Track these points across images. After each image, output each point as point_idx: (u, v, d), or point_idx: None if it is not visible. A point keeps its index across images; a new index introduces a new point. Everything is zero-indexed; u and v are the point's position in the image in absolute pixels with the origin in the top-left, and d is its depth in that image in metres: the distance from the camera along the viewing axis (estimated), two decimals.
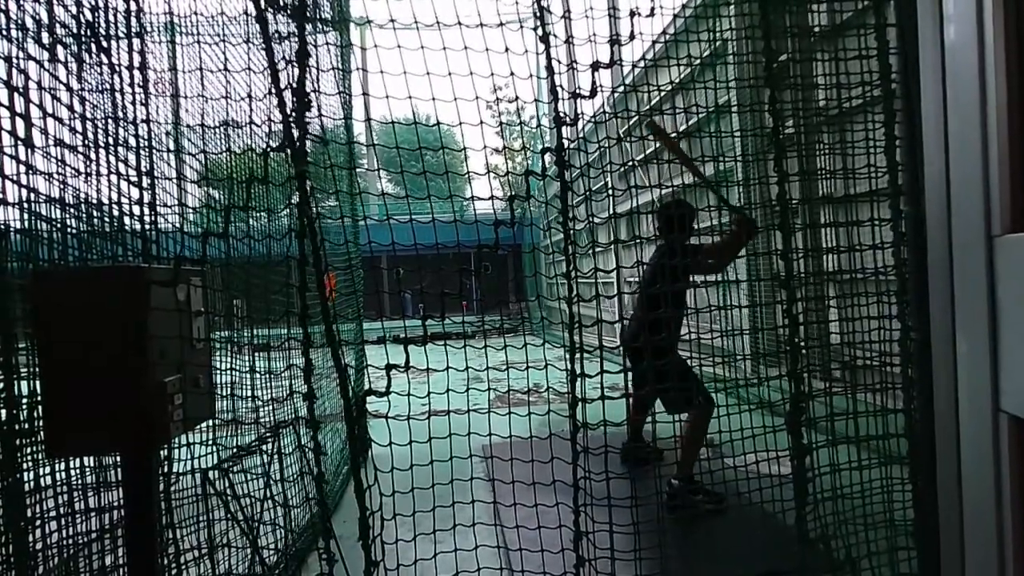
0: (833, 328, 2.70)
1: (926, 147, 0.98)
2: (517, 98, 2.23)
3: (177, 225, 2.62)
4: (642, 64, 3.01)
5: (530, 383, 2.75)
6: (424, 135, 2.38)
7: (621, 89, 3.44)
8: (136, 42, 2.42)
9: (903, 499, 2.41)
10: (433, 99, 2.25)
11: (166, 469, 2.28)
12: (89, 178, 2.16)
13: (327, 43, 2.58)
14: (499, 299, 16.66)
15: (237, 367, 2.78)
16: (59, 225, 1.98)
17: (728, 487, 2.96)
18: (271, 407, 2.96)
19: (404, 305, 16.31)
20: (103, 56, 2.33)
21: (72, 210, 2.06)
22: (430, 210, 2.25)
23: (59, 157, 2.01)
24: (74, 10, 2.18)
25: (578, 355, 2.21)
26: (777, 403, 2.55)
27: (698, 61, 3.06)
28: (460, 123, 2.29)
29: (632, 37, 2.14)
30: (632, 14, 2.12)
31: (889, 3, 2.38)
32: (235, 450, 2.65)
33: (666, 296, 2.97)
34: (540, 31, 2.04)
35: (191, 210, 2.99)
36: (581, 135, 2.39)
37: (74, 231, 2.06)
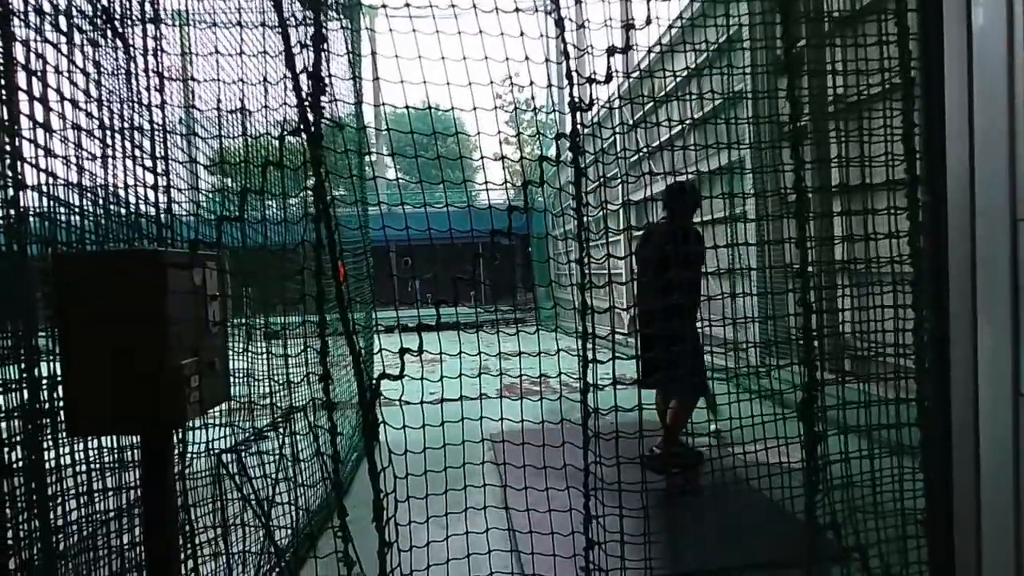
0: (847, 317, 2.68)
1: (948, 131, 0.97)
2: (532, 83, 2.22)
3: (192, 210, 2.64)
4: (657, 49, 2.99)
5: (540, 371, 2.77)
6: (435, 122, 2.38)
7: (635, 75, 3.42)
8: (151, 27, 2.43)
9: (914, 488, 2.41)
10: (447, 84, 2.24)
11: (181, 451, 2.32)
12: (105, 162, 2.18)
13: (341, 27, 2.58)
14: (509, 288, 16.66)
15: (252, 351, 2.81)
16: (77, 209, 2.00)
17: (737, 475, 2.97)
18: (285, 391, 2.99)
19: (414, 294, 16.39)
20: (119, 41, 2.34)
21: (89, 194, 2.08)
22: (444, 197, 2.26)
23: (76, 141, 2.03)
24: None
25: (590, 341, 2.22)
26: (788, 391, 2.55)
27: (713, 47, 3.02)
28: (474, 108, 2.28)
29: (648, 22, 2.12)
30: None
31: None
32: (249, 432, 2.68)
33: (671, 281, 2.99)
34: (555, 15, 2.03)
35: (205, 195, 3.01)
36: (595, 121, 2.37)
37: (91, 215, 2.08)
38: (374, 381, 2.05)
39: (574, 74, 2.06)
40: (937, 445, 1.32)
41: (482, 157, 2.31)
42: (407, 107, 2.15)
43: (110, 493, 2.10)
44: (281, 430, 2.81)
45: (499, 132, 2.26)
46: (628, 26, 2.12)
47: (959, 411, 0.94)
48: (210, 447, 2.50)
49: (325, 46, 2.12)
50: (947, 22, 1.05)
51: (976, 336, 0.89)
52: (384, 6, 2.18)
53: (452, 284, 2.20)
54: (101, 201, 2.16)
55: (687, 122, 2.81)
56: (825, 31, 3.00)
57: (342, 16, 3.78)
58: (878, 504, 2.43)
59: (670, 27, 2.76)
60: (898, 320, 2.51)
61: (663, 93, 2.98)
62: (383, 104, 2.24)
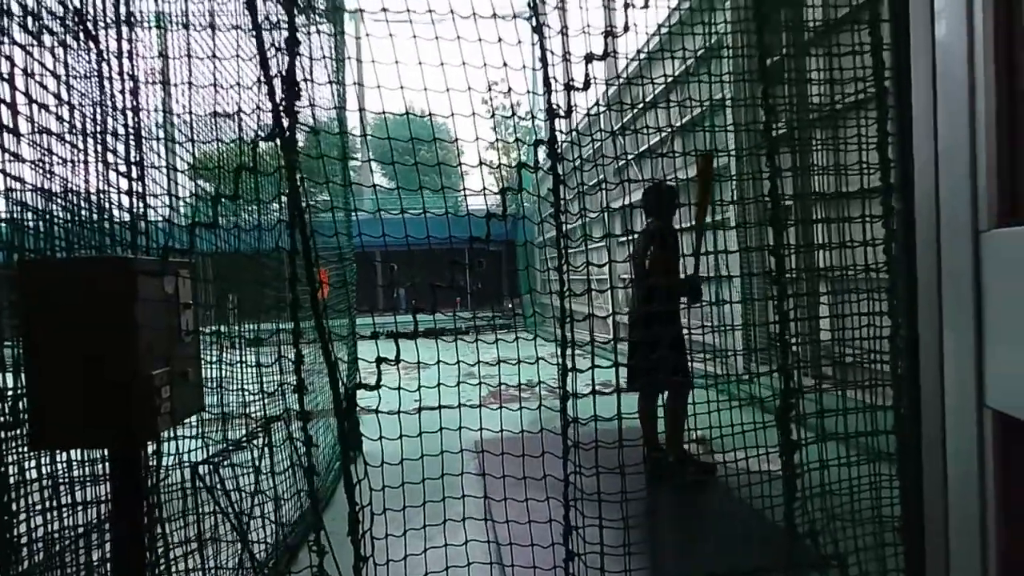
0: (824, 325, 2.70)
1: (916, 142, 0.98)
2: (510, 90, 2.21)
3: (166, 216, 2.60)
4: (638, 58, 3.00)
5: (521, 379, 2.74)
6: (418, 129, 2.36)
7: (617, 82, 3.43)
8: (125, 29, 2.39)
9: (891, 496, 2.43)
10: (425, 90, 2.23)
11: (155, 463, 2.27)
12: (76, 167, 2.14)
13: (318, 31, 2.56)
14: (494, 294, 16.59)
15: (228, 360, 2.76)
16: (47, 215, 1.96)
17: (718, 483, 2.98)
18: (263, 401, 2.94)
19: (398, 301, 16.32)
20: (91, 43, 2.30)
21: (59, 200, 2.04)
22: (423, 204, 2.24)
23: (46, 146, 1.98)
24: None
25: (569, 350, 2.21)
26: (767, 399, 2.56)
27: (692, 57, 3.05)
28: (452, 114, 2.27)
29: (626, 29, 2.13)
30: (627, 5, 2.11)
31: None
32: (226, 444, 2.63)
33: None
34: (534, 22, 2.03)
35: (180, 200, 2.96)
36: (575, 129, 2.37)
37: (61, 221, 2.03)
38: (349, 390, 2.02)
39: (552, 80, 2.06)
40: (912, 453, 1.32)
41: (460, 164, 2.30)
42: (384, 114, 2.13)
43: (78, 509, 2.04)
44: (259, 441, 2.76)
45: (477, 139, 2.25)
46: (608, 33, 2.12)
47: (929, 421, 0.95)
48: (185, 459, 2.45)
49: (302, 50, 2.10)
50: (914, 33, 1.06)
51: (942, 347, 0.89)
52: (360, 11, 2.16)
53: (431, 291, 2.19)
54: (72, 207, 2.11)
55: (665, 131, 2.83)
56: (803, 41, 3.04)
57: (325, 20, 3.75)
58: (856, 511, 2.44)
59: (651, 37, 2.77)
60: (872, 328, 2.53)
61: (642, 102, 3.00)
62: (363, 110, 2.22)
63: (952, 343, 0.87)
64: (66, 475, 2.04)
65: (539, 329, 9.97)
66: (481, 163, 2.22)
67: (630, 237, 3.72)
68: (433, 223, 2.32)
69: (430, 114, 2.30)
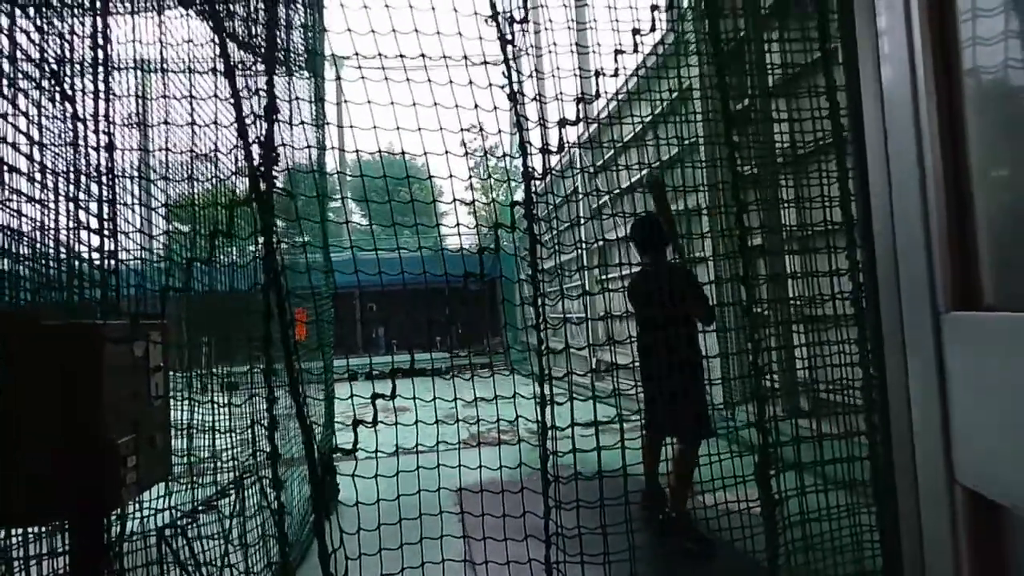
0: (799, 376, 2.73)
1: (875, 222, 1.02)
2: (485, 152, 2.27)
3: (141, 273, 2.56)
4: (603, 117, 3.11)
5: (504, 425, 2.69)
6: (402, 173, 2.40)
7: (589, 143, 3.51)
8: (103, 92, 2.40)
9: (872, 546, 2.42)
10: (401, 152, 2.27)
11: (119, 530, 2.17)
12: (47, 228, 2.11)
13: (295, 96, 2.60)
14: (479, 334, 16.39)
15: (201, 421, 2.68)
16: (13, 277, 1.92)
17: (704, 527, 2.93)
18: (234, 464, 2.84)
19: (377, 341, 16.12)
20: (67, 105, 2.31)
21: (29, 261, 2.00)
22: (407, 246, 2.24)
23: (17, 209, 1.96)
24: (38, 59, 2.16)
25: (548, 405, 2.20)
26: (746, 452, 2.56)
27: (650, 117, 3.16)
28: (429, 176, 2.31)
29: (597, 95, 2.21)
30: (598, 74, 2.20)
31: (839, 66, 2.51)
32: (194, 506, 2.53)
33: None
34: (508, 89, 2.10)
35: (156, 259, 2.93)
36: (548, 190, 2.43)
37: (29, 283, 1.99)
38: (326, 454, 1.98)
39: (527, 144, 2.12)
40: (890, 513, 1.32)
41: (437, 221, 2.33)
42: (358, 159, 2.16)
43: None
44: (229, 500, 2.65)
45: (454, 198, 2.29)
46: (579, 99, 2.21)
47: (904, 496, 0.96)
48: (150, 524, 2.35)
49: (284, 107, 2.13)
50: (866, 113, 1.11)
51: (912, 422, 0.91)
52: (338, 73, 2.21)
53: (410, 333, 2.17)
54: (43, 266, 2.08)
55: (622, 189, 2.90)
56: (766, 104, 3.18)
57: (306, 71, 3.80)
58: (839, 564, 2.42)
59: (613, 98, 2.88)
60: (845, 380, 2.57)
61: (604, 160, 3.08)
62: (344, 173, 2.24)
63: (920, 421, 0.90)
64: (19, 550, 1.94)
65: (521, 372, 9.86)
66: (459, 224, 2.25)
67: (623, 272, 3.33)
68: (413, 264, 2.29)
69: (406, 166, 2.33)
